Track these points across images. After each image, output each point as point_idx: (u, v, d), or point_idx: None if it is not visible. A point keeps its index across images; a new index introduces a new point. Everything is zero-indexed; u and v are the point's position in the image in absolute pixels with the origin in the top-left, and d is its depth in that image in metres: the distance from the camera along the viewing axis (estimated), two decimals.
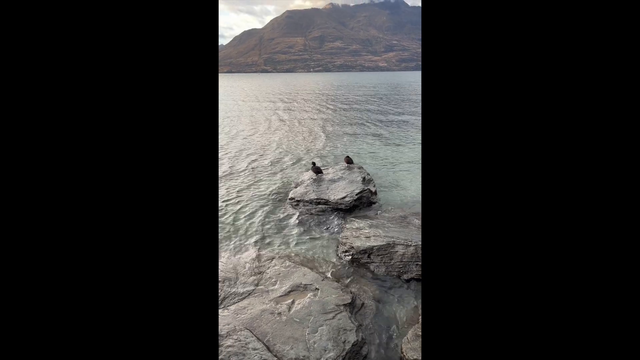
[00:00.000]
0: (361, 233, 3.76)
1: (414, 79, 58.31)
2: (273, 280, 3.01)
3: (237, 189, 5.59)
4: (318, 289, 2.84)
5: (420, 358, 2.15)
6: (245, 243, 3.83)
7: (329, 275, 3.19)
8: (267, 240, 3.89)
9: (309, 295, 2.78)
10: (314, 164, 5.87)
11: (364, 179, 5.48)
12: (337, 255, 3.57)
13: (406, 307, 2.77)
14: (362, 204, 4.81)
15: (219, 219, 4.41)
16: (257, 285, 2.95)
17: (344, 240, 3.70)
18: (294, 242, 3.87)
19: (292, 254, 3.61)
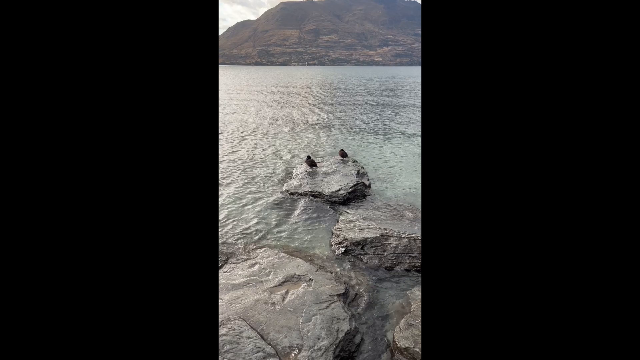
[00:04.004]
0: (355, 225, 3.79)
1: (409, 74, 58.30)
2: (267, 271, 3.02)
3: (229, 181, 5.56)
4: (312, 280, 2.86)
5: (411, 346, 2.20)
6: (239, 234, 3.82)
7: (322, 266, 3.21)
8: (261, 232, 3.89)
9: (302, 285, 2.80)
10: (308, 156, 5.86)
11: (358, 172, 5.51)
12: (331, 247, 3.59)
13: (398, 297, 2.81)
14: (356, 197, 4.84)
15: None
16: (250, 276, 2.96)
17: (337, 232, 3.72)
18: (288, 234, 3.88)
19: (286, 246, 3.62)
